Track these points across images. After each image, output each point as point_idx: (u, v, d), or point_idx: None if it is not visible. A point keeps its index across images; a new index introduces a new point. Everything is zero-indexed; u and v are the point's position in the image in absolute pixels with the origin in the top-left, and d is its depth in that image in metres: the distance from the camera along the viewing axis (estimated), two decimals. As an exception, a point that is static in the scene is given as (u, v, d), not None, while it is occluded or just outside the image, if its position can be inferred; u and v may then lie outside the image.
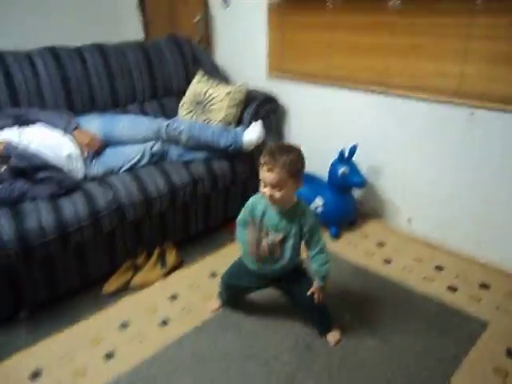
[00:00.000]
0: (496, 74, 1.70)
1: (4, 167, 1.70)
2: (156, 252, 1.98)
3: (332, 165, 2.16)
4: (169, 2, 3.13)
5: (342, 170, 2.09)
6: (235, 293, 1.69)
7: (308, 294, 1.45)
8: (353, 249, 2.14)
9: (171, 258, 2.00)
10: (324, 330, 1.58)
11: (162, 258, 2.00)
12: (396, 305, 1.74)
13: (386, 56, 2.04)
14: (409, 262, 2.02)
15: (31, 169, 1.67)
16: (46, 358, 1.53)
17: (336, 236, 2.22)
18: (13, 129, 1.81)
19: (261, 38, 2.58)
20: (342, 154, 2.11)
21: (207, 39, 2.94)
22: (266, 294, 1.70)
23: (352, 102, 2.27)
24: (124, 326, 1.68)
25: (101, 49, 2.31)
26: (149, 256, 2.00)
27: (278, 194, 1.32)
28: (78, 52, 2.23)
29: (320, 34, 2.28)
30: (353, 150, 2.13)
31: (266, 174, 1.31)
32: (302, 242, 1.46)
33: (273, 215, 1.41)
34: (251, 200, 1.48)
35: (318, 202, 2.21)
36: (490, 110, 1.77)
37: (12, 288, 1.67)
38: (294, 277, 1.53)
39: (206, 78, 2.52)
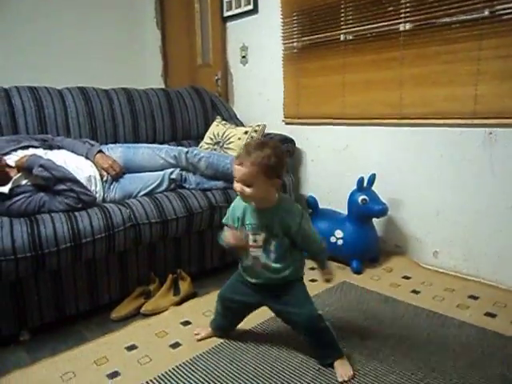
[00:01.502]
0: (510, 91, 1.74)
1: (25, 181, 1.72)
2: (170, 278, 1.89)
3: (351, 194, 2.13)
4: (189, 63, 3.41)
5: (361, 197, 2.05)
6: (230, 311, 1.51)
7: (324, 281, 1.44)
8: (377, 282, 2.01)
9: (185, 285, 1.90)
10: (327, 357, 1.36)
11: (175, 285, 1.90)
12: (430, 330, 1.57)
13: (398, 88, 2.12)
14: (439, 292, 1.88)
15: (53, 179, 1.68)
16: (44, 376, 1.39)
17: (358, 271, 2.10)
18: (38, 149, 1.86)
19: (277, 87, 2.73)
20: (360, 181, 2.09)
21: (226, 94, 3.12)
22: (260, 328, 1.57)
23: (367, 137, 2.31)
24: (131, 348, 1.54)
25: (127, 91, 2.46)
26: (161, 284, 1.90)
27: (248, 191, 1.25)
28: (106, 93, 2.38)
29: (333, 76, 2.41)
30: (372, 179, 2.11)
31: (236, 168, 1.26)
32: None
33: (250, 215, 1.34)
34: (234, 203, 1.41)
35: (338, 235, 2.14)
36: (509, 128, 1.78)
37: (16, 305, 1.58)
38: (291, 291, 1.38)
39: (224, 122, 2.63)
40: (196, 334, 1.58)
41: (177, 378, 1.35)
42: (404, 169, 2.19)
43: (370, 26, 2.18)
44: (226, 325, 1.56)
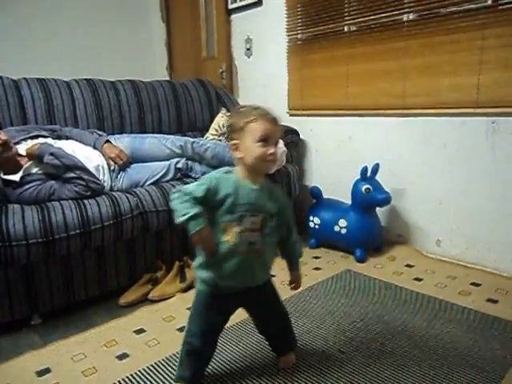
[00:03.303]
0: (512, 80, 1.76)
1: (36, 169, 1.75)
2: (176, 265, 1.93)
3: (355, 183, 2.15)
4: (194, 55, 3.43)
5: (365, 186, 2.08)
6: (209, 346, 1.22)
7: (290, 286, 1.28)
8: (380, 270, 2.04)
9: (191, 273, 1.94)
10: (288, 350, 1.34)
11: (181, 273, 1.93)
12: (432, 315, 1.60)
13: (402, 79, 2.13)
14: (441, 279, 1.91)
15: (63, 167, 1.71)
16: (55, 357, 1.43)
17: (361, 259, 2.13)
18: (47, 139, 1.90)
19: (281, 79, 2.75)
20: (364, 171, 2.11)
21: (231, 86, 3.14)
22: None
23: (371, 128, 2.34)
24: (140, 331, 1.58)
25: (133, 83, 2.49)
26: (168, 271, 1.94)
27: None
28: (113, 84, 2.41)
29: (337, 67, 2.43)
30: (375, 168, 2.13)
31: (273, 127, 1.08)
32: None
33: (246, 194, 1.11)
34: (213, 176, 1.11)
35: (341, 224, 2.17)
36: (511, 117, 1.79)
37: (28, 290, 1.63)
38: (267, 289, 1.27)
39: (229, 113, 2.65)
40: None
41: (184, 359, 1.38)
42: (407, 158, 2.21)
43: (373, 17, 2.20)
44: (203, 364, 1.24)
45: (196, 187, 1.08)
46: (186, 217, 1.04)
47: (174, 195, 1.09)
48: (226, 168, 1.16)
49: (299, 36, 2.59)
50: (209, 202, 1.08)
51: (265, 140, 1.07)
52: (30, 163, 1.75)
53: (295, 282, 1.29)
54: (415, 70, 2.09)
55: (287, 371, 1.30)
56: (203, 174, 2.09)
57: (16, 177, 1.70)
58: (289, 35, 2.64)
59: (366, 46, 2.27)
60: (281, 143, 2.25)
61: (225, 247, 1.11)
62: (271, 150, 1.07)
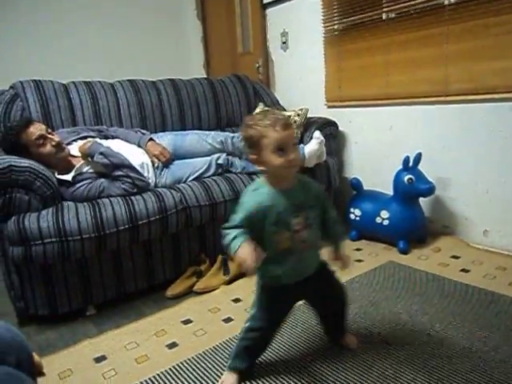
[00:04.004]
0: None
1: (87, 168, 1.85)
2: (219, 258, 1.98)
3: (397, 174, 2.11)
4: (230, 51, 3.46)
5: (407, 177, 2.04)
6: (267, 342, 1.30)
7: (338, 265, 1.28)
8: (424, 261, 2.00)
9: (234, 266, 1.98)
10: (343, 333, 1.39)
11: (225, 266, 1.98)
12: (481, 307, 1.56)
13: (444, 65, 2.07)
14: (490, 270, 1.85)
15: (111, 166, 1.80)
16: (110, 345, 1.52)
17: (405, 251, 2.10)
18: (95, 139, 1.99)
19: (318, 70, 2.73)
20: (406, 161, 2.07)
21: (267, 80, 3.16)
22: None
23: (412, 117, 2.28)
24: (187, 322, 1.64)
25: (173, 82, 2.56)
26: (212, 264, 2.00)
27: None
28: (154, 84, 2.48)
29: (375, 56, 2.38)
30: (417, 158, 2.09)
31: (285, 134, 1.08)
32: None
33: (283, 198, 1.13)
34: (246, 201, 1.14)
35: (383, 216, 2.14)
36: None
37: (82, 283, 1.73)
38: (324, 275, 1.30)
39: (266, 108, 2.67)
40: None
41: (233, 347, 1.42)
42: (451, 147, 2.14)
43: (412, 2, 2.13)
44: (258, 357, 1.31)
45: (237, 219, 1.12)
46: (231, 244, 1.08)
47: (224, 234, 1.12)
48: (254, 185, 1.18)
49: (336, 27, 2.56)
50: (254, 223, 1.11)
51: (281, 149, 1.08)
52: (81, 163, 1.85)
53: (340, 259, 1.27)
54: (458, 56, 2.02)
55: (332, 362, 1.32)
56: (243, 168, 2.14)
57: (69, 176, 1.80)
58: (325, 26, 2.62)
59: (405, 34, 2.21)
60: (318, 133, 2.24)
61: (281, 253, 1.15)
62: (291, 157, 1.09)
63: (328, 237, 1.27)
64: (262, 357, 1.34)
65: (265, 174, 1.16)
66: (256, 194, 1.14)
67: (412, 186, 2.04)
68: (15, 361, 0.86)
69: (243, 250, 1.05)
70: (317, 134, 2.21)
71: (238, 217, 1.12)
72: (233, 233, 1.09)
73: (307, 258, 1.21)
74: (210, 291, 1.88)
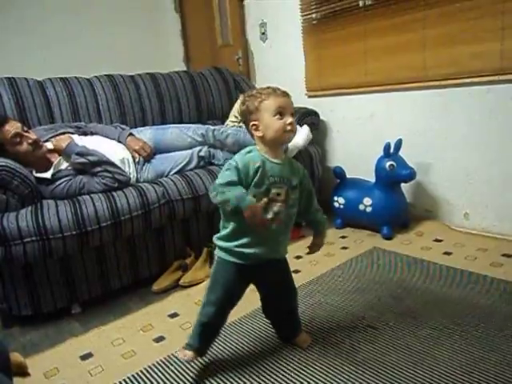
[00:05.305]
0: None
1: (65, 165, 1.82)
2: (205, 251, 1.98)
3: (378, 160, 2.13)
4: (210, 44, 3.44)
5: (389, 163, 2.06)
6: (221, 318, 1.29)
7: (310, 249, 1.31)
8: (407, 246, 2.03)
9: (220, 258, 1.98)
10: (296, 332, 1.38)
11: (210, 258, 1.98)
12: (464, 288, 1.59)
13: (422, 50, 2.08)
14: (471, 252, 1.88)
15: (90, 164, 1.78)
16: (96, 342, 1.51)
17: (388, 236, 2.12)
18: (74, 135, 1.96)
19: (298, 60, 2.73)
20: (387, 147, 2.09)
21: (248, 72, 3.14)
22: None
23: (392, 103, 2.30)
24: (173, 315, 1.64)
25: (152, 76, 2.53)
26: (197, 258, 1.99)
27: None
28: (132, 78, 2.45)
29: (354, 44, 2.39)
30: (398, 144, 2.10)
31: (284, 99, 1.15)
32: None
33: (273, 166, 1.16)
34: (242, 158, 1.15)
35: (366, 203, 2.16)
36: (538, 81, 1.74)
37: (67, 281, 1.71)
38: (285, 266, 1.32)
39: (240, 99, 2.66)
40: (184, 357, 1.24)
41: (220, 339, 1.41)
42: (431, 132, 2.17)
43: (388, -11, 2.15)
44: (213, 336, 1.32)
45: (227, 174, 1.14)
46: (235, 199, 1.10)
47: (212, 193, 1.16)
48: (247, 149, 1.20)
49: (314, 15, 2.55)
50: (242, 182, 1.14)
51: (281, 113, 1.14)
52: (58, 160, 1.82)
53: (316, 246, 1.31)
54: (435, 41, 2.03)
55: (317, 348, 1.33)
56: (225, 160, 2.12)
57: (47, 174, 1.77)
58: (303, 15, 2.61)
59: (382, 20, 2.22)
60: (307, 130, 2.25)
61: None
62: (290, 120, 1.14)
63: (311, 222, 1.31)
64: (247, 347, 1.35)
65: (260, 143, 1.18)
66: (249, 155, 1.17)
67: (393, 172, 2.06)
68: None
69: (255, 209, 1.09)
70: (306, 130, 2.21)
71: (227, 173, 1.14)
72: (234, 189, 1.11)
73: (277, 237, 1.22)
74: (196, 284, 1.88)
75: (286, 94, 1.17)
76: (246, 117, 1.19)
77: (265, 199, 1.15)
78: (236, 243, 1.20)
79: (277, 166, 1.17)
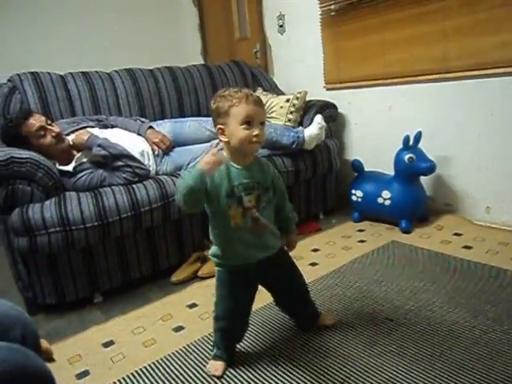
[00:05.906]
0: None
1: (86, 158, 1.86)
2: (222, 243, 1.99)
3: (397, 153, 2.11)
4: (227, 38, 3.44)
5: (408, 155, 2.03)
6: (238, 327, 1.29)
7: (287, 247, 1.32)
8: (427, 240, 2.01)
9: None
10: (315, 316, 1.40)
11: (228, 250, 2.00)
12: (484, 282, 1.57)
13: (442, 41, 2.04)
14: (492, 246, 1.85)
15: (111, 157, 1.81)
16: (117, 331, 1.55)
17: (407, 230, 2.10)
18: (94, 128, 2.00)
19: (316, 53, 2.71)
20: (406, 140, 2.06)
21: (265, 65, 3.14)
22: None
23: (412, 95, 2.27)
24: (192, 306, 1.67)
25: (171, 70, 2.55)
26: (215, 250, 2.01)
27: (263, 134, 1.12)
28: (151, 72, 2.48)
29: (372, 35, 2.36)
30: (418, 136, 2.08)
31: (255, 108, 1.09)
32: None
33: (239, 173, 1.14)
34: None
35: (385, 196, 2.14)
36: None
37: (89, 271, 1.75)
38: (283, 259, 1.32)
39: (265, 92, 2.66)
40: (215, 371, 1.25)
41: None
42: (451, 124, 2.13)
43: (409, -21, 2.11)
44: (236, 343, 1.33)
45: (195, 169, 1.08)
46: (188, 178, 1.07)
47: (176, 199, 1.15)
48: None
49: (332, 7, 2.53)
50: (207, 191, 1.11)
51: (249, 122, 1.09)
52: (80, 153, 1.86)
53: (291, 243, 1.32)
54: (456, 31, 1.99)
55: (336, 340, 1.34)
56: (243, 153, 2.14)
57: (70, 167, 1.81)
58: (321, 7, 2.59)
59: (402, 11, 2.19)
60: (319, 118, 2.24)
61: (235, 229, 1.16)
62: (255, 132, 1.09)
63: (282, 222, 1.30)
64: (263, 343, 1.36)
65: (226, 148, 1.15)
66: None
67: (413, 164, 2.03)
68: (20, 336, 0.88)
69: (200, 160, 1.06)
70: (318, 118, 2.20)
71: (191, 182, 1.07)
72: (181, 180, 1.10)
73: (261, 238, 1.20)
74: (214, 276, 1.89)
75: (258, 102, 1.11)
76: (214, 118, 1.16)
77: (240, 209, 1.14)
78: (226, 254, 1.20)
79: (243, 172, 1.15)
